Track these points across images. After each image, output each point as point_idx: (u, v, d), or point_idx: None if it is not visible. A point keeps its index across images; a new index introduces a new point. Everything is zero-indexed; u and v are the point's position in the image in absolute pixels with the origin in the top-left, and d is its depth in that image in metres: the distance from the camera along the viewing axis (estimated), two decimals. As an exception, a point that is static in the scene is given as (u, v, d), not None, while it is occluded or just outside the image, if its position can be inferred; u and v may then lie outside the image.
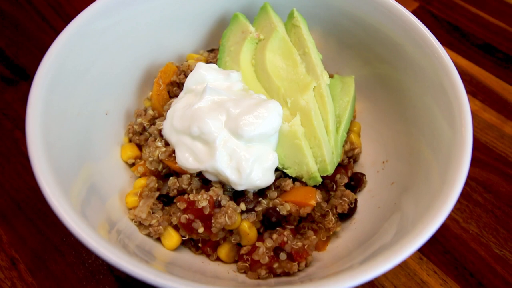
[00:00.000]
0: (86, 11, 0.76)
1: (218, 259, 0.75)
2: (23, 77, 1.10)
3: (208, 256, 0.75)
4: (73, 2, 1.28)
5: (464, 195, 0.95)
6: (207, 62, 0.90)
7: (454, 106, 0.68)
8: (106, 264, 0.83)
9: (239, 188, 0.70)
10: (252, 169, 0.70)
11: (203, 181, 0.74)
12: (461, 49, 1.21)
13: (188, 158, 0.72)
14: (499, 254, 0.87)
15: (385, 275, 0.83)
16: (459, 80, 0.70)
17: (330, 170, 0.74)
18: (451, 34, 1.25)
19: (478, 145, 1.03)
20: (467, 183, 0.96)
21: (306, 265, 0.71)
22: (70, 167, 0.67)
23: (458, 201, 0.94)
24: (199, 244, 0.75)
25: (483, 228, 0.90)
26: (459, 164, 0.63)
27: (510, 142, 1.03)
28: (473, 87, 1.13)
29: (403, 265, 0.85)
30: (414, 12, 1.35)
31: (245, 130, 0.69)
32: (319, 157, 0.74)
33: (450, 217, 0.92)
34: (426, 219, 0.60)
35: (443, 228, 0.90)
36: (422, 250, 0.87)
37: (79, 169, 0.70)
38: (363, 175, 0.83)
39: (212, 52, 0.93)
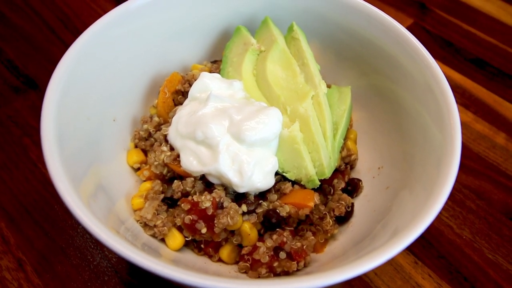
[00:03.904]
0: (98, 23, 0.80)
1: (220, 260, 0.78)
2: (32, 86, 1.14)
3: (210, 257, 0.78)
4: (81, 16, 1.33)
5: (457, 202, 0.98)
6: (211, 72, 0.94)
7: (444, 112, 0.72)
8: (110, 266, 0.85)
9: (241, 190, 0.74)
10: (253, 172, 0.73)
11: (206, 184, 0.78)
12: (454, 63, 1.26)
13: (193, 162, 0.75)
14: (492, 259, 0.89)
15: (381, 278, 0.86)
16: (448, 87, 0.74)
17: (327, 173, 0.78)
18: (444, 49, 1.30)
19: (471, 155, 1.06)
20: (460, 191, 1.00)
21: (305, 265, 0.73)
22: (80, 168, 0.70)
23: (452, 207, 0.98)
24: (202, 245, 0.77)
25: (476, 234, 0.93)
26: (449, 166, 0.66)
27: (502, 152, 1.07)
28: (466, 100, 1.18)
29: (399, 269, 0.87)
30: (408, 28, 1.39)
31: (247, 135, 0.73)
32: (317, 161, 0.77)
33: (444, 223, 0.95)
34: (416, 219, 0.63)
35: (438, 234, 0.93)
36: (417, 255, 0.89)
37: (88, 171, 0.73)
38: (359, 180, 0.86)
39: (215, 63, 0.97)
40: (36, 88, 1.14)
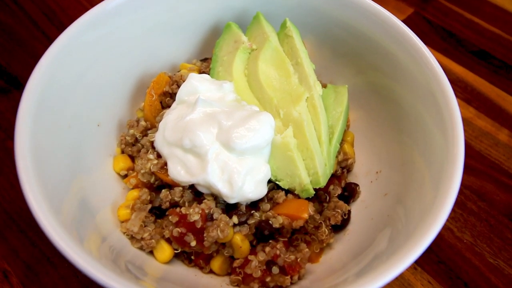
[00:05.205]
0: (77, 22, 0.75)
1: (211, 271, 0.75)
2: (16, 85, 1.10)
3: (201, 268, 0.75)
4: (67, 10, 1.27)
5: (458, 203, 0.95)
6: (200, 71, 0.90)
7: (446, 116, 0.68)
8: (99, 276, 0.82)
9: (231, 201, 0.70)
10: (244, 182, 0.69)
11: (196, 193, 0.74)
12: (456, 55, 1.21)
13: (180, 171, 0.71)
14: (493, 263, 0.87)
15: (379, 286, 0.83)
16: (450, 90, 0.70)
17: (322, 182, 0.74)
18: (446, 41, 1.25)
19: (472, 153, 1.02)
20: (461, 192, 0.96)
21: (299, 278, 0.71)
22: (61, 182, 0.66)
23: (453, 210, 0.94)
24: (192, 257, 0.74)
25: (477, 237, 0.90)
26: (452, 176, 0.63)
27: (505, 150, 1.03)
28: (468, 94, 1.13)
29: (397, 276, 0.84)
30: (409, 18, 1.35)
31: (237, 143, 0.69)
32: (311, 169, 0.74)
33: (444, 227, 0.91)
34: (420, 231, 0.60)
35: (438, 238, 0.89)
36: (416, 260, 0.86)
37: (70, 183, 0.70)
38: (356, 185, 0.83)
39: (205, 61, 0.93)
40: (20, 87, 1.09)
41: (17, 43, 1.19)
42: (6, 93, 1.08)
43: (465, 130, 0.99)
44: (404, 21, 1.32)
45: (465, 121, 1.08)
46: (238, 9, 0.91)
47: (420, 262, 0.86)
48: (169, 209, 0.74)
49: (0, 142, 1.00)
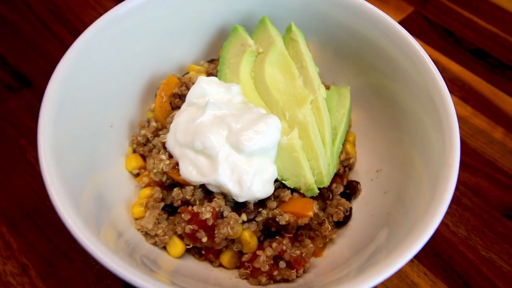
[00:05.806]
0: (92, 27, 0.78)
1: (220, 265, 0.79)
2: (25, 84, 1.12)
3: (211, 262, 0.79)
4: (72, 6, 1.29)
5: (453, 199, 0.99)
6: (208, 73, 0.93)
7: (442, 117, 0.72)
8: (113, 269, 0.87)
9: (240, 200, 0.74)
10: (253, 182, 0.73)
11: (206, 192, 0.78)
12: (454, 54, 1.24)
13: (192, 171, 0.75)
14: (486, 256, 0.92)
15: (378, 277, 0.88)
16: (447, 91, 0.74)
17: (326, 182, 0.78)
18: (445, 39, 1.28)
19: (468, 151, 1.07)
20: (457, 188, 1.00)
21: (304, 272, 0.75)
22: (79, 181, 0.70)
23: (448, 205, 0.99)
24: (203, 252, 0.79)
25: (471, 231, 0.95)
26: (448, 176, 0.67)
27: (499, 147, 1.07)
28: (465, 93, 1.17)
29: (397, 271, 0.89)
30: (409, 17, 1.37)
31: (246, 145, 0.73)
32: (316, 169, 0.77)
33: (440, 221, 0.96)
34: (419, 228, 0.65)
35: (434, 232, 0.94)
36: (413, 253, 0.91)
37: (86, 182, 0.73)
38: (357, 183, 0.87)
39: (212, 63, 0.96)
40: (29, 85, 1.12)
41: (24, 41, 1.21)
42: (16, 92, 1.11)
43: (461, 128, 1.04)
44: (404, 20, 1.34)
45: (462, 119, 1.12)
46: (245, 12, 0.93)
47: (417, 255, 0.90)
48: (180, 206, 0.78)
49: (13, 140, 1.03)
